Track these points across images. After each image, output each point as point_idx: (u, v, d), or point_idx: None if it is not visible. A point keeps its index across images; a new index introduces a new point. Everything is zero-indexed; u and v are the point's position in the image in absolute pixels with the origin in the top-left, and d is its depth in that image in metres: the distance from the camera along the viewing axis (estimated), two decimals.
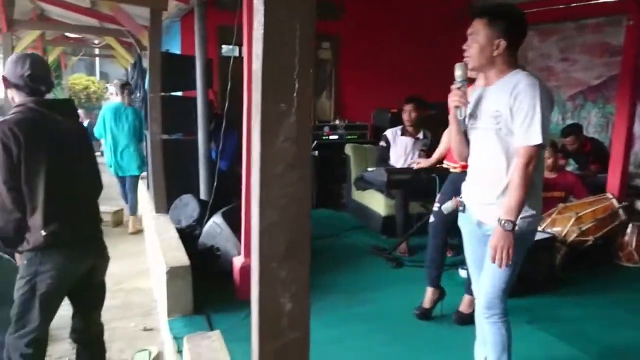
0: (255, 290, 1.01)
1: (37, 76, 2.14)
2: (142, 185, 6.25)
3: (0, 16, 6.52)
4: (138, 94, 7.31)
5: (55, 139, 2.12)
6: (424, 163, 4.00)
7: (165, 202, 4.23)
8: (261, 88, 0.96)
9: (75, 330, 2.42)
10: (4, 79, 2.15)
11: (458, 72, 2.03)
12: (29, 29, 8.09)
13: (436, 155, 3.87)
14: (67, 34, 10.59)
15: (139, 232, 5.79)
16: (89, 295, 2.41)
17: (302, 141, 0.98)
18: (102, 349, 2.56)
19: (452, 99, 2.04)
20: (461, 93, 2.02)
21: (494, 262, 1.91)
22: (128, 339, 3.32)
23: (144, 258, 4.87)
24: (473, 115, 2.06)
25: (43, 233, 2.07)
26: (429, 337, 2.91)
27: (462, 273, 3.71)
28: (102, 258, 2.40)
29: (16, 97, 2.16)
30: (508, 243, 1.87)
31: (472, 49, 1.97)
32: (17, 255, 2.25)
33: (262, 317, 1.01)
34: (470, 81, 2.16)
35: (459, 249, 4.30)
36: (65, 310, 2.38)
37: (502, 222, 1.88)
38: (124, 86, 6.11)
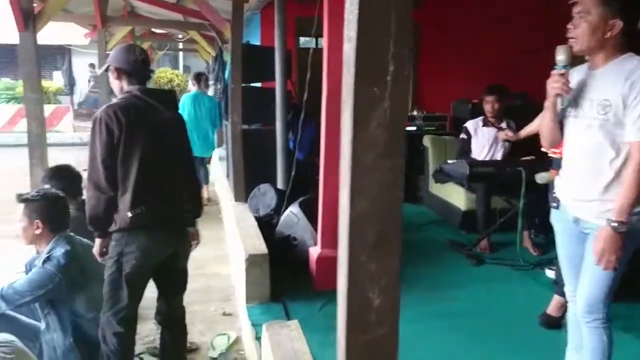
0: (343, 283, 0.98)
1: (146, 63, 2.30)
2: (220, 170, 6.54)
3: (95, 14, 6.95)
4: (219, 86, 7.54)
5: (154, 126, 2.23)
6: (511, 136, 3.82)
7: (244, 191, 4.32)
8: (354, 71, 0.91)
9: (159, 312, 2.53)
10: (115, 69, 2.29)
11: (560, 56, 1.82)
12: (121, 25, 8.57)
13: (524, 132, 3.67)
14: (154, 29, 11.14)
15: (209, 201, 6.31)
16: (172, 280, 2.51)
17: (395, 128, 0.93)
18: (184, 332, 2.66)
19: (553, 86, 1.84)
20: (563, 80, 1.82)
21: (599, 264, 1.75)
22: (208, 322, 3.43)
23: (223, 245, 5.01)
24: (574, 102, 1.87)
25: (129, 214, 2.18)
26: (513, 340, 2.75)
27: (549, 273, 3.49)
28: (184, 244, 2.48)
29: (125, 86, 2.29)
30: (617, 246, 1.70)
31: (580, 30, 1.75)
32: (96, 241, 2.36)
33: (349, 311, 0.98)
34: None
35: (545, 247, 4.10)
36: (150, 292, 2.50)
37: (614, 223, 1.70)
38: (199, 76, 6.86)
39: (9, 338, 1.71)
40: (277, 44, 4.35)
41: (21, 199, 2.47)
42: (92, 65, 16.30)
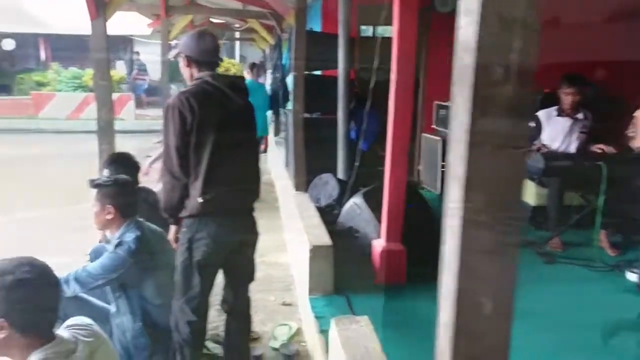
0: (451, 286, 0.88)
1: (215, 50, 2.29)
2: (278, 158, 6.61)
3: (160, 3, 7.08)
4: (277, 75, 7.55)
5: (225, 112, 2.21)
6: (606, 148, 3.55)
7: (305, 181, 4.28)
8: (474, 48, 0.81)
9: (225, 301, 2.52)
10: (185, 56, 2.28)
11: None
12: (183, 14, 8.71)
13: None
14: (212, 19, 11.27)
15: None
16: (240, 269, 2.49)
17: (520, 113, 0.82)
18: (249, 321, 2.64)
19: None
20: None
21: None
22: (268, 312, 3.42)
23: (280, 234, 5.00)
24: None
25: (200, 200, 2.17)
26: (601, 344, 2.56)
27: (631, 276, 3.24)
28: (252, 234, 2.45)
29: (195, 73, 2.28)
30: None
31: None
32: (171, 228, 2.37)
33: (457, 319, 0.88)
34: None
35: (623, 247, 3.82)
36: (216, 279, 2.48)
37: None
38: (253, 65, 7.41)
39: (87, 321, 1.71)
40: (340, 32, 4.25)
41: (94, 184, 2.51)
42: (137, 53, 16.83)
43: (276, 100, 7.56)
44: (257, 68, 7.48)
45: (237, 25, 11.75)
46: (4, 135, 10.65)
